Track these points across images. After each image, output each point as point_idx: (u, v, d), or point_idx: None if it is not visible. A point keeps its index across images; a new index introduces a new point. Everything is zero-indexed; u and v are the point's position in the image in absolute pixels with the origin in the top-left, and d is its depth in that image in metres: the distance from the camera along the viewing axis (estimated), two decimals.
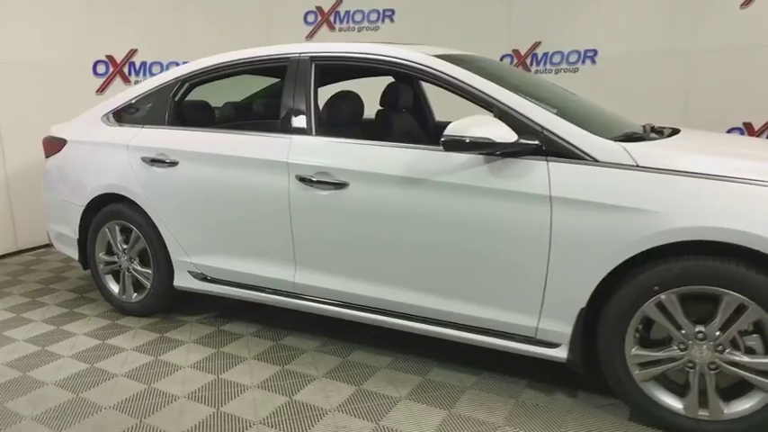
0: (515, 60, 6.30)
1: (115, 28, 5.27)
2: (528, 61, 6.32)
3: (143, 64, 5.57)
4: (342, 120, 2.89)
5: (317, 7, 6.49)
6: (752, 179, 1.87)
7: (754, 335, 1.89)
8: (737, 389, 1.96)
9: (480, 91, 2.30)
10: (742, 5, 5.11)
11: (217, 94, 3.73)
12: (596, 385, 2.28)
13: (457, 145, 2.13)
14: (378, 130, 3.25)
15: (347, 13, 6.52)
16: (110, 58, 5.29)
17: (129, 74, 5.47)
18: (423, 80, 2.59)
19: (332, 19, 6.48)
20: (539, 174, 2.11)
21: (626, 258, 1.98)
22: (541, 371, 2.43)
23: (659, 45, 5.63)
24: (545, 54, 6.27)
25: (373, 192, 2.42)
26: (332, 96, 2.94)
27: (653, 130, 2.71)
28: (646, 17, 5.66)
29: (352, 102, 2.99)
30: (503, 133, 2.11)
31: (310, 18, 6.48)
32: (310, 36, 6.49)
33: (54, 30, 4.81)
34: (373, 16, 6.53)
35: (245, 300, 2.90)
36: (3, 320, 3.25)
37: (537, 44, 6.26)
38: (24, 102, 4.61)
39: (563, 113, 2.26)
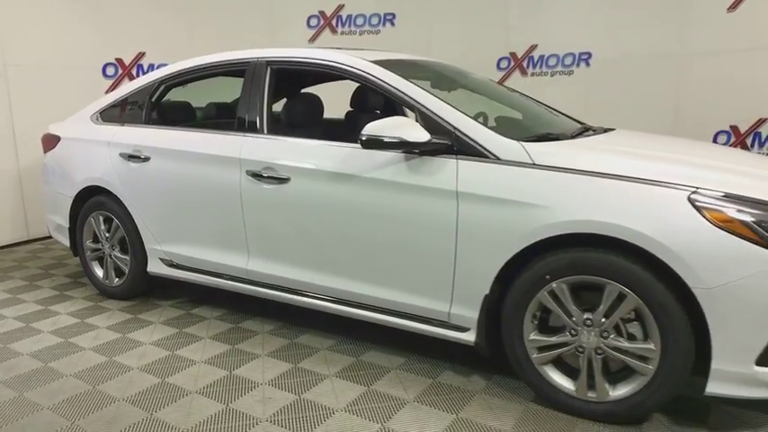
0: (512, 63, 6.43)
1: (124, 32, 5.64)
2: (524, 64, 6.43)
3: (150, 66, 5.91)
4: (299, 120, 3.11)
5: (319, 12, 6.72)
6: (632, 177, 2.01)
7: (635, 322, 2.03)
8: (625, 373, 2.10)
9: (404, 93, 2.50)
10: (729, 9, 5.12)
11: (209, 95, 4.02)
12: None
13: (374, 143, 2.32)
14: (342, 131, 3.46)
15: (349, 17, 6.73)
16: (119, 60, 5.66)
17: (138, 75, 5.83)
18: (358, 83, 2.77)
19: (334, 23, 6.71)
20: (449, 171, 2.29)
21: (520, 249, 2.14)
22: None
23: (651, 48, 5.68)
24: (541, 57, 6.36)
25: (310, 186, 2.63)
26: (291, 98, 3.17)
27: (587, 130, 2.84)
28: (638, 20, 5.71)
29: (310, 104, 3.21)
30: (415, 133, 2.29)
31: (313, 22, 6.72)
32: (313, 39, 6.73)
33: (65, 34, 5.20)
34: (374, 20, 6.73)
35: (208, 285, 3.15)
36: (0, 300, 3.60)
37: (533, 47, 6.36)
38: (37, 102, 5.01)
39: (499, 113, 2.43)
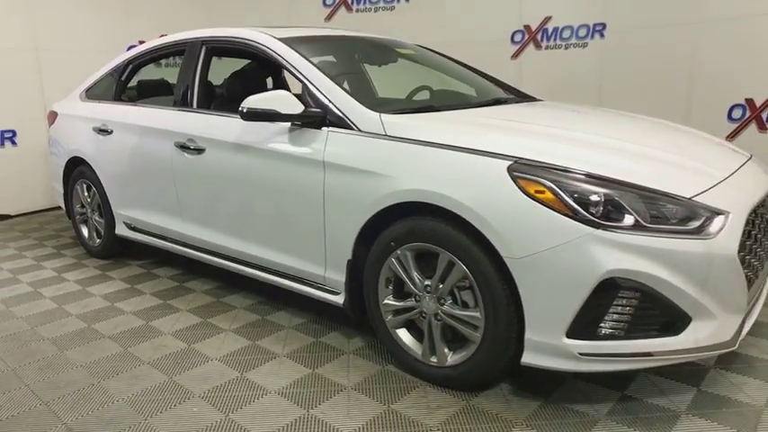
0: (526, 36, 6.25)
1: (147, 18, 6.09)
2: (539, 37, 6.24)
3: None
4: (237, 96, 3.29)
5: None
6: (463, 147, 2.03)
7: (468, 290, 2.07)
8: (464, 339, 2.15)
9: (294, 67, 2.63)
10: None
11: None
12: None
13: (252, 115, 2.47)
14: None
15: None
16: (142, 43, 6.11)
17: None
18: (266, 58, 2.86)
19: (349, 1, 6.82)
20: (319, 141, 2.41)
21: (369, 217, 2.22)
22: None
23: (667, 17, 5.34)
24: (555, 29, 6.15)
25: (220, 156, 2.84)
26: (230, 75, 3.36)
27: (499, 101, 2.85)
28: None
29: (247, 79, 3.39)
30: (288, 106, 2.42)
31: (329, 0, 6.87)
32: (329, 18, 6.89)
33: (93, 20, 5.72)
34: None
35: (160, 248, 3.46)
36: (6, 255, 4.14)
37: (548, 19, 6.16)
38: (66, 83, 5.53)
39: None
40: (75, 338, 2.73)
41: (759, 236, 2.06)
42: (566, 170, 1.86)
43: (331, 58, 2.88)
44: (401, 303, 2.26)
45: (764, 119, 4.76)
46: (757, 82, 4.75)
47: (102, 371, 2.40)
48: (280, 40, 2.78)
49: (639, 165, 1.97)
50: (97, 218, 3.91)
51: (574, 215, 1.79)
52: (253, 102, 2.45)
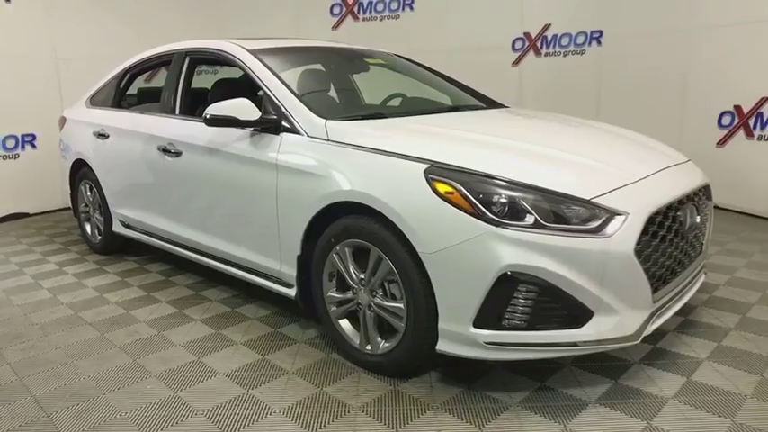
0: (527, 43, 6.36)
1: (159, 28, 6.44)
2: (538, 44, 6.35)
3: None
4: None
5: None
6: (390, 152, 2.21)
7: (395, 283, 2.24)
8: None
9: (258, 77, 2.86)
10: None
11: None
12: None
13: (214, 121, 2.69)
14: None
15: (370, 3, 7.03)
16: None
17: None
18: (237, 67, 3.11)
19: (355, 10, 7.05)
20: (274, 145, 2.62)
21: (312, 216, 2.41)
22: None
23: (661, 24, 5.41)
24: (554, 36, 6.27)
25: (193, 159, 3.08)
26: (214, 83, 3.61)
27: (456, 108, 3.02)
28: None
29: (229, 88, 3.62)
30: (246, 113, 2.63)
31: (336, 10, 7.11)
32: (336, 27, 7.14)
33: (107, 32, 6.09)
34: (394, 5, 6.97)
35: (151, 245, 3.72)
36: (18, 250, 4.48)
37: (547, 26, 6.27)
38: (83, 90, 5.92)
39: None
40: (60, 324, 3.00)
41: (671, 237, 2.17)
42: (474, 173, 2.02)
43: (302, 68, 3.11)
44: (341, 295, 2.44)
45: (751, 126, 4.77)
46: (745, 89, 4.77)
47: (77, 352, 2.66)
48: (248, 50, 3.01)
49: (549, 168, 2.11)
50: (98, 216, 4.21)
51: (478, 214, 1.95)
52: (214, 109, 2.68)
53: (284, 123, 2.62)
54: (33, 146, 5.80)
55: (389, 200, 2.11)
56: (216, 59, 3.29)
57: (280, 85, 2.74)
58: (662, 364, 2.36)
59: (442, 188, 2.02)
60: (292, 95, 2.68)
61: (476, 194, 1.97)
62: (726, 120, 4.97)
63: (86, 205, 4.35)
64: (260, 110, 2.66)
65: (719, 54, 4.95)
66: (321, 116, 2.55)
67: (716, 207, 5.07)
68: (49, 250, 4.46)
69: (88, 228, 4.39)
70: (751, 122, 4.77)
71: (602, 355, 2.42)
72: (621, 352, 2.44)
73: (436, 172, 2.06)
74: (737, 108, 4.85)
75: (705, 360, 2.39)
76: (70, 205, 4.62)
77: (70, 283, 3.65)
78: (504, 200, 1.95)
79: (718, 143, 5.05)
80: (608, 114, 5.96)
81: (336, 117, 2.57)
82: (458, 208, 1.98)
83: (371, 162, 2.24)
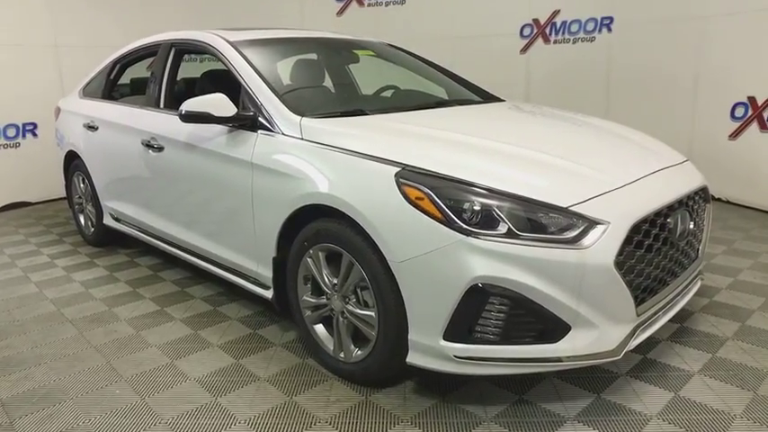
0: (535, 30, 6.16)
1: (162, 13, 6.36)
2: (547, 31, 6.15)
3: None
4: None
5: None
6: (361, 153, 2.11)
7: (368, 290, 2.14)
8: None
9: (236, 70, 2.75)
10: None
11: None
12: None
13: (189, 117, 2.60)
14: None
15: None
16: None
17: None
18: (218, 59, 3.01)
19: None
20: (250, 143, 2.52)
21: (286, 218, 2.32)
22: None
23: (674, 10, 5.16)
24: (563, 23, 6.06)
25: (175, 154, 3.00)
26: (202, 74, 3.52)
27: (443, 103, 2.90)
28: None
29: (218, 78, 3.53)
30: (221, 109, 2.54)
31: None
32: (340, 12, 6.99)
33: (108, 19, 6.03)
34: None
35: (138, 238, 3.68)
36: (13, 241, 4.48)
37: (556, 12, 6.07)
38: (84, 77, 5.90)
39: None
40: (41, 322, 2.97)
41: (658, 246, 2.04)
42: (445, 178, 1.91)
43: (286, 60, 3.00)
44: (316, 300, 2.36)
45: (766, 118, 4.55)
46: (760, 79, 4.54)
47: (53, 353, 2.62)
48: (228, 42, 2.91)
49: (527, 173, 1.99)
50: (90, 208, 4.18)
51: (448, 222, 1.84)
52: (189, 105, 2.59)
53: (261, 120, 2.53)
54: (35, 134, 5.79)
55: (359, 204, 2.01)
56: (199, 50, 3.20)
57: (257, 79, 2.63)
58: (649, 378, 2.24)
59: (412, 193, 1.91)
60: (269, 90, 2.57)
61: (446, 201, 1.86)
62: (739, 111, 4.75)
63: (80, 197, 4.32)
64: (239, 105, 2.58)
65: (734, 42, 4.72)
66: (298, 113, 2.45)
67: (727, 202, 4.93)
68: (43, 241, 4.45)
69: (82, 219, 4.37)
70: (765, 115, 4.55)
71: (586, 368, 2.31)
72: (608, 364, 2.33)
73: (407, 176, 1.95)
74: (751, 99, 4.63)
75: (696, 374, 2.27)
76: (66, 196, 4.60)
77: (58, 277, 3.63)
78: (475, 207, 1.84)
79: (730, 136, 4.84)
80: (617, 103, 5.76)
81: (314, 114, 2.47)
82: (427, 215, 1.87)
83: (343, 163, 2.14)
